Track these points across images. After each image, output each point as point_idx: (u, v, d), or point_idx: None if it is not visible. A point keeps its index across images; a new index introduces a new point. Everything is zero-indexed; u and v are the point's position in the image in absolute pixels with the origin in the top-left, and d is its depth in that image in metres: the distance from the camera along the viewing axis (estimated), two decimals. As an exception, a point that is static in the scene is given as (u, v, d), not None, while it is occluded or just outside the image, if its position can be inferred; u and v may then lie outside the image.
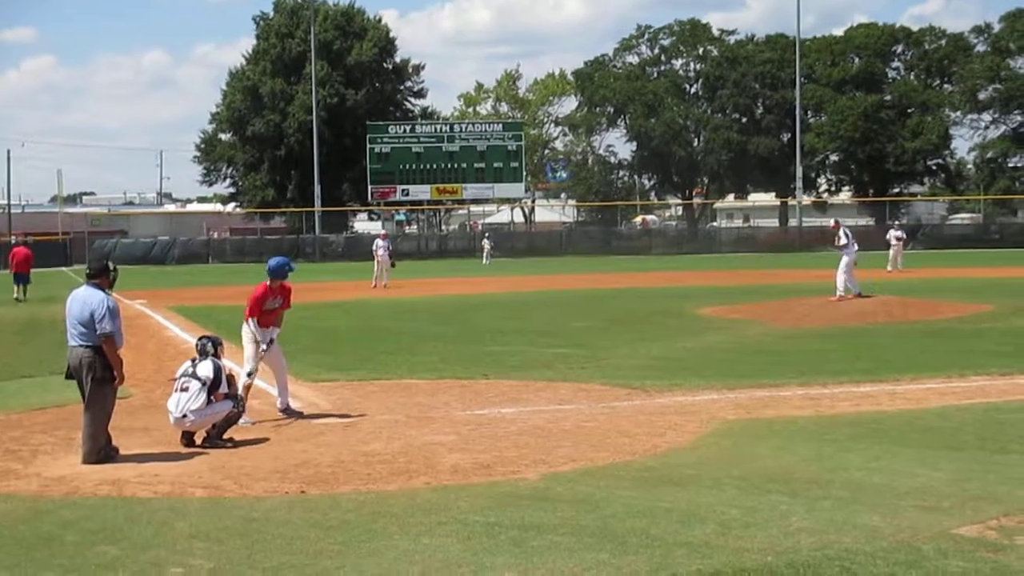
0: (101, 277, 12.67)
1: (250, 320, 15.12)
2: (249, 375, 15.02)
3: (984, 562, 8.01)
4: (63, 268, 68.95)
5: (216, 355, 13.75)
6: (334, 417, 14.97)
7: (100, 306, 12.27)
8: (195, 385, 13.29)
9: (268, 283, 15.25)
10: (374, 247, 46.48)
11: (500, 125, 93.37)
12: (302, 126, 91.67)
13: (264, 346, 15.12)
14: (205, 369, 13.47)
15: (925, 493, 10.03)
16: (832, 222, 36.44)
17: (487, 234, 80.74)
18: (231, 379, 13.90)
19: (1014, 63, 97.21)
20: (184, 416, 13.11)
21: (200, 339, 14.19)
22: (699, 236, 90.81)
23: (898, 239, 50.25)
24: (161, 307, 34.69)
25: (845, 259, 32.21)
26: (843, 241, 32.60)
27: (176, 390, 13.38)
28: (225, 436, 13.25)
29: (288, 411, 15.10)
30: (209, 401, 13.23)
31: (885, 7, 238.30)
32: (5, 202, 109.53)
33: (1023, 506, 9.53)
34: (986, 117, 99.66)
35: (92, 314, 12.24)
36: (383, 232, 52.19)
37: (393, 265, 45.96)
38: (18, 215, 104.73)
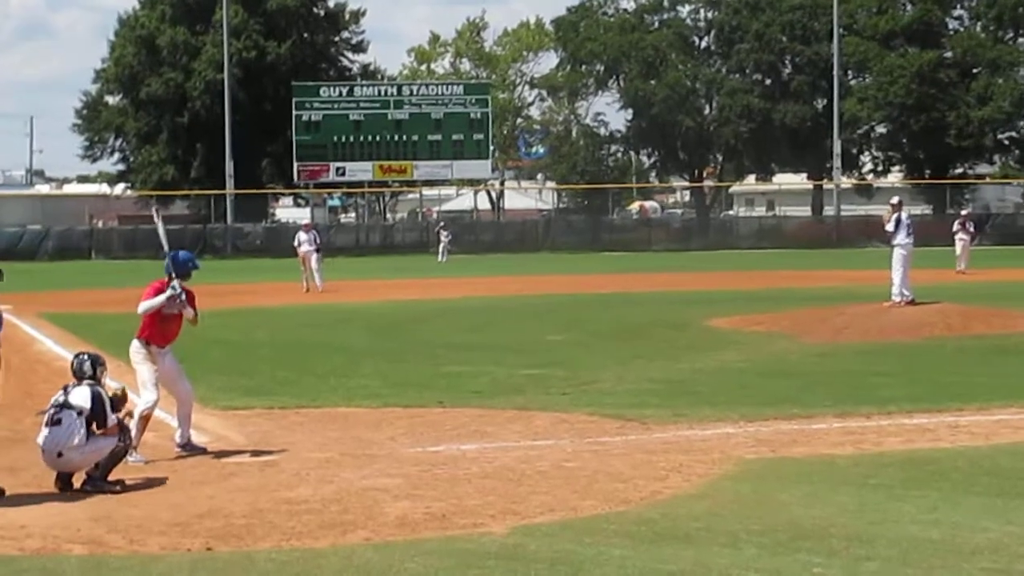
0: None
1: (140, 340, 15.11)
2: (148, 404, 14.93)
3: (1068, 639, 8.05)
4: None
5: (95, 377, 13.66)
6: (249, 454, 14.95)
7: None
8: (69, 416, 13.20)
9: (164, 280, 15.17)
10: (295, 242, 46.21)
11: (461, 87, 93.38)
12: (211, 87, 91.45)
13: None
14: (80, 397, 13.35)
15: (995, 552, 10.07)
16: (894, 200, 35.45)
17: (442, 223, 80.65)
18: (118, 401, 13.81)
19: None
20: (60, 455, 13.03)
21: (76, 356, 14.15)
22: (711, 228, 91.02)
23: (967, 232, 50.50)
24: (30, 314, 34.51)
25: (898, 252, 32.08)
26: (889, 227, 32.46)
27: (46, 424, 13.30)
28: (111, 478, 13.18)
29: (189, 447, 15.06)
30: (90, 435, 13.14)
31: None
32: None
33: (1117, 568, 9.58)
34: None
35: None
36: (306, 223, 51.95)
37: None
38: None
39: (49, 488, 13.11)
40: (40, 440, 13.26)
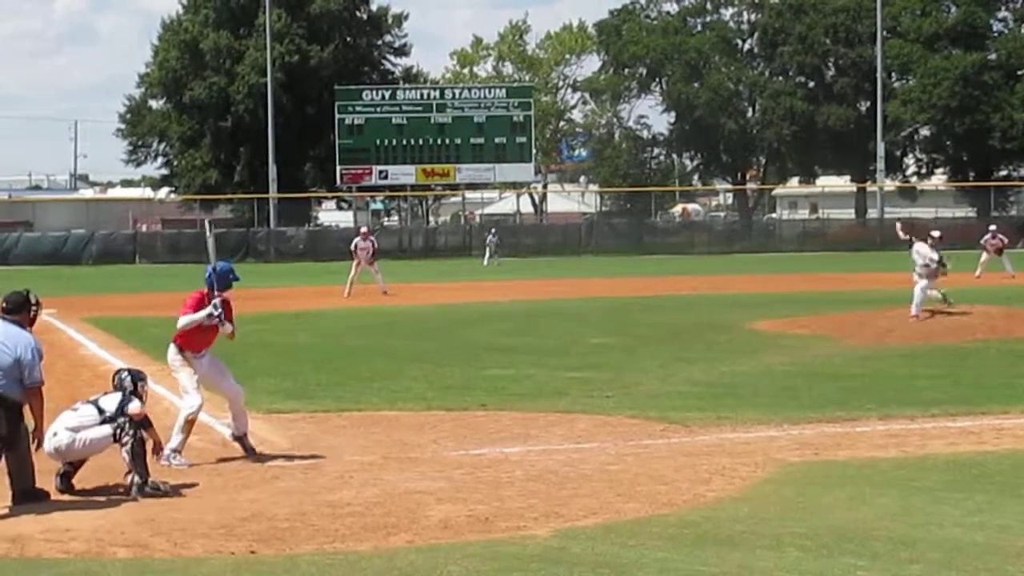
0: (21, 312, 12.67)
1: (175, 346, 15.15)
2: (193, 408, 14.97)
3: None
4: (-48, 269, 68.99)
5: (135, 392, 13.70)
6: (292, 458, 14.99)
7: (26, 350, 12.29)
8: (88, 408, 13.26)
9: (205, 292, 15.21)
10: (352, 247, 46.21)
11: (503, 90, 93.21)
12: (254, 91, 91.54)
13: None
14: (109, 401, 13.44)
15: (1040, 555, 10.03)
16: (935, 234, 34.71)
17: (492, 228, 80.00)
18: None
19: None
20: (55, 434, 13.03)
21: (117, 372, 14.22)
22: (754, 230, 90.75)
23: (1000, 240, 50.37)
24: (74, 318, 34.66)
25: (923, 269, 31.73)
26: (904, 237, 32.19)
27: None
28: (151, 481, 13.11)
29: (243, 441, 15.09)
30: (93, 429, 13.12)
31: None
32: None
33: None
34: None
35: (19, 360, 12.23)
36: (365, 230, 51.62)
37: (371, 264, 45.58)
38: None
39: (94, 491, 13.17)
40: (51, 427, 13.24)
